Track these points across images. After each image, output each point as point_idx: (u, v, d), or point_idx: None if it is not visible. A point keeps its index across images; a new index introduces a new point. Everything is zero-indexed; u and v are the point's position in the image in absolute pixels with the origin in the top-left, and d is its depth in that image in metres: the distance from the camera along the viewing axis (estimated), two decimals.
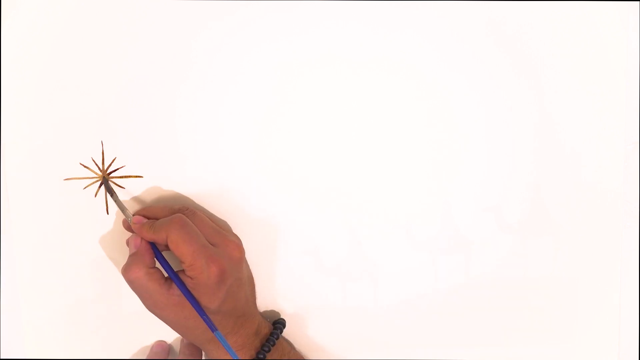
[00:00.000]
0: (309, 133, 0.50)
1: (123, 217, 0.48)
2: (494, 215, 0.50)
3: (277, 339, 0.47)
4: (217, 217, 0.50)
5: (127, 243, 0.46)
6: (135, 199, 0.50)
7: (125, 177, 0.50)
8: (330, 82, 0.49)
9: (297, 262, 0.51)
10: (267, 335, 0.48)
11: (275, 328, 0.49)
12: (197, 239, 0.42)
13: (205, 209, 0.50)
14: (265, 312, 0.52)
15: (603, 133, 0.49)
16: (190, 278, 0.43)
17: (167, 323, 0.45)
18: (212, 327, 0.42)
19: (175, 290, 0.43)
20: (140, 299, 0.45)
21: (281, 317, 0.52)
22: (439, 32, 0.48)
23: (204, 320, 0.42)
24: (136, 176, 0.50)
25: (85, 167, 0.49)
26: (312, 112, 0.49)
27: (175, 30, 0.48)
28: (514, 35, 0.48)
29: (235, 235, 0.49)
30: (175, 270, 0.44)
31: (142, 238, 0.45)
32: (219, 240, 0.44)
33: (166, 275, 0.45)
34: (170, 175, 0.50)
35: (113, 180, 0.50)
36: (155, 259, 0.45)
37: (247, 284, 0.47)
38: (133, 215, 0.47)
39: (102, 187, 0.49)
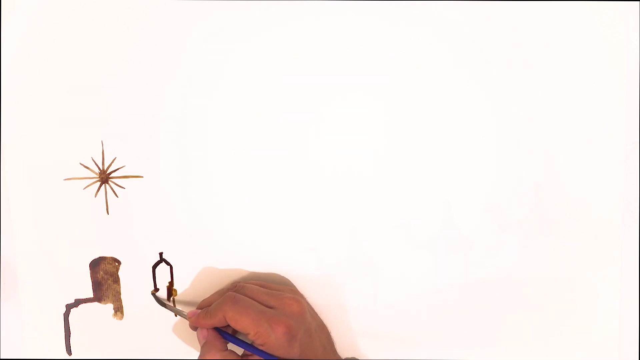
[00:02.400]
0: (308, 132, 0.50)
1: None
2: (494, 215, 0.50)
3: None
4: (273, 277, 0.51)
5: (198, 340, 0.47)
6: (136, 199, 0.50)
7: (125, 177, 0.50)
8: (330, 81, 0.49)
9: (297, 262, 0.51)
10: None
11: None
12: (252, 308, 0.43)
13: (256, 272, 0.51)
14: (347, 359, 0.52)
15: (603, 133, 0.49)
16: (262, 345, 0.43)
17: None
18: None
19: None
20: None
21: None
22: (436, 31, 0.48)
23: None
24: (136, 176, 0.50)
25: (85, 167, 0.49)
26: (312, 110, 0.49)
27: (178, 31, 0.48)
28: (514, 35, 0.48)
29: (292, 290, 0.49)
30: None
31: (207, 328, 0.46)
32: (275, 302, 0.45)
33: (240, 354, 0.46)
34: (171, 175, 0.50)
35: (113, 180, 0.50)
36: (226, 341, 0.46)
37: (318, 332, 0.48)
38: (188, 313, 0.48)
39: (102, 187, 0.49)
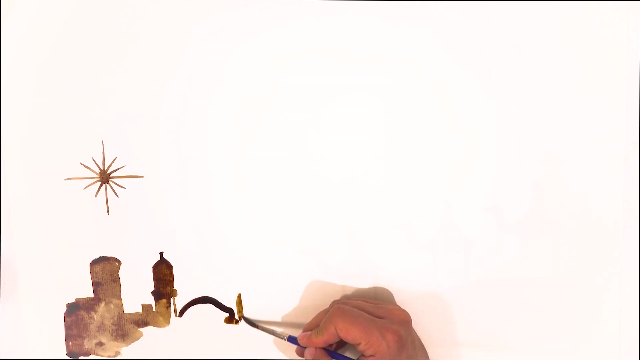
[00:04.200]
0: (308, 132, 0.50)
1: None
2: (494, 215, 0.50)
3: None
4: (377, 291, 0.51)
5: (303, 357, 0.47)
6: (136, 199, 0.50)
7: (125, 177, 0.50)
8: (330, 81, 0.49)
9: (298, 262, 0.51)
10: None
11: None
12: (362, 317, 0.43)
13: (359, 291, 0.51)
14: None
15: (603, 133, 0.49)
16: (372, 355, 0.43)
17: None
18: None
19: None
20: None
21: None
22: (436, 31, 0.48)
23: None
24: (136, 176, 0.50)
25: (85, 167, 0.49)
26: (312, 111, 0.49)
27: (178, 31, 0.48)
28: (514, 35, 0.48)
29: (395, 304, 0.49)
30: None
31: (314, 347, 0.46)
32: (382, 313, 0.45)
33: None
34: (170, 175, 0.50)
35: (113, 180, 0.50)
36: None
37: (420, 347, 0.48)
38: (288, 336, 0.48)
39: (103, 187, 0.49)
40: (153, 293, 0.51)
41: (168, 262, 0.51)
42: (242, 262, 0.51)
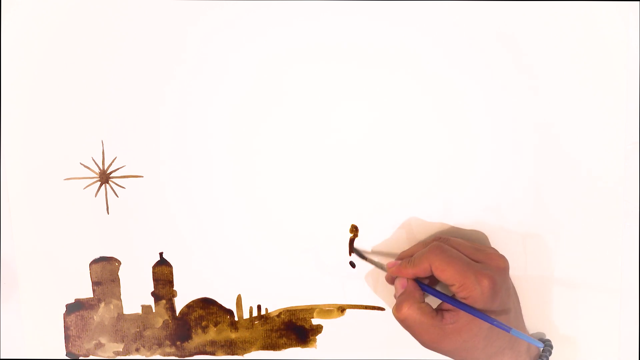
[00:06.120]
0: (308, 131, 0.50)
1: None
2: (494, 215, 0.50)
3: (547, 358, 0.46)
4: (472, 236, 0.50)
5: (395, 288, 0.46)
6: (136, 199, 0.50)
7: (125, 177, 0.50)
8: (329, 79, 0.49)
9: (297, 261, 0.51)
10: (538, 355, 0.46)
11: (544, 350, 0.47)
12: (460, 259, 0.42)
13: (458, 233, 0.50)
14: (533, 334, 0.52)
15: (603, 133, 0.49)
16: (464, 298, 0.42)
17: (446, 354, 0.44)
18: (507, 328, 0.41)
19: (449, 319, 0.42)
20: (415, 336, 0.44)
21: (547, 337, 0.51)
22: (437, 32, 0.48)
23: (496, 325, 0.41)
24: (136, 176, 0.50)
25: (85, 167, 0.50)
26: (312, 109, 0.50)
27: (178, 31, 0.48)
28: (514, 35, 0.48)
29: (494, 249, 0.47)
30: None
31: (406, 278, 0.45)
32: (481, 257, 0.44)
33: (435, 307, 0.44)
34: (171, 175, 0.50)
35: (113, 180, 0.50)
36: (424, 294, 0.45)
37: (514, 295, 0.47)
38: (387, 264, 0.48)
39: (102, 187, 0.49)
40: (153, 294, 0.51)
41: (168, 262, 0.51)
42: (242, 262, 0.51)
